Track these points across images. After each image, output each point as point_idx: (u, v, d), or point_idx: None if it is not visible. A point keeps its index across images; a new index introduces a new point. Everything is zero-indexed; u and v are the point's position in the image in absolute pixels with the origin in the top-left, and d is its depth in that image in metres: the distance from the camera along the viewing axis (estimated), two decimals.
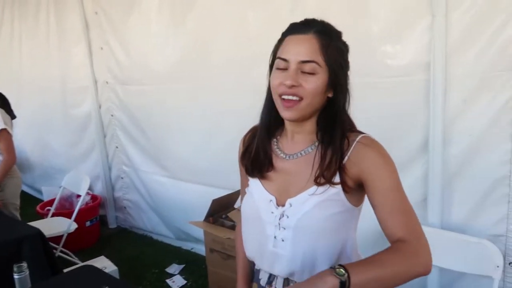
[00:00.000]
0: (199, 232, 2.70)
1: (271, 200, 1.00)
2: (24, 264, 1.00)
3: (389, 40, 1.92)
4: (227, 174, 2.29)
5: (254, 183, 1.06)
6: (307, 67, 0.90)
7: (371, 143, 0.94)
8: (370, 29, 1.96)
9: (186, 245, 3.31)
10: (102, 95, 3.58)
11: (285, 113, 0.95)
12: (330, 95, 0.96)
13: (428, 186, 1.91)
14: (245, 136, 1.12)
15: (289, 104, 0.92)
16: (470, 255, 1.70)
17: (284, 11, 2.23)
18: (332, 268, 0.78)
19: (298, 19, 0.97)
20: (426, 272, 0.85)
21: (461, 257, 1.73)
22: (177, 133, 3.04)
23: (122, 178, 3.72)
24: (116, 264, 2.58)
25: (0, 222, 2.26)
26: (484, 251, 1.66)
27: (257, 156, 1.03)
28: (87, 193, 3.63)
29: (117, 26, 3.24)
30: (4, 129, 2.64)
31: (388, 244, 0.88)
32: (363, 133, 0.97)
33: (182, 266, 3.07)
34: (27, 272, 1.00)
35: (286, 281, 1.01)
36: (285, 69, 0.92)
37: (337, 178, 0.93)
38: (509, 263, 1.81)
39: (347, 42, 0.97)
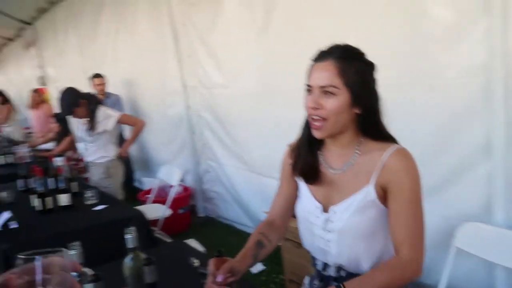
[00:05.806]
0: None
1: (317, 207, 1.18)
2: (133, 228, 1.34)
3: (447, 42, 1.93)
4: None
5: (303, 188, 1.23)
6: (327, 90, 1.06)
7: (402, 157, 1.08)
8: (428, 32, 1.98)
9: None
10: (191, 98, 4.00)
11: (315, 133, 1.12)
12: (357, 111, 1.09)
13: (491, 187, 1.90)
14: (289, 152, 1.28)
15: (316, 125, 1.09)
16: None
17: (351, 18, 2.30)
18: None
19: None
20: (414, 279, 1.04)
21: None
22: (257, 132, 3.30)
23: (209, 172, 4.11)
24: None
25: (113, 206, 2.76)
26: None
27: (305, 168, 1.19)
28: (180, 185, 4.04)
29: (203, 35, 3.60)
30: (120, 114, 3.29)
31: None
32: (397, 146, 1.11)
33: None
34: (135, 234, 1.34)
35: (338, 268, 1.19)
36: (311, 92, 1.10)
37: (372, 182, 1.09)
38: None
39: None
